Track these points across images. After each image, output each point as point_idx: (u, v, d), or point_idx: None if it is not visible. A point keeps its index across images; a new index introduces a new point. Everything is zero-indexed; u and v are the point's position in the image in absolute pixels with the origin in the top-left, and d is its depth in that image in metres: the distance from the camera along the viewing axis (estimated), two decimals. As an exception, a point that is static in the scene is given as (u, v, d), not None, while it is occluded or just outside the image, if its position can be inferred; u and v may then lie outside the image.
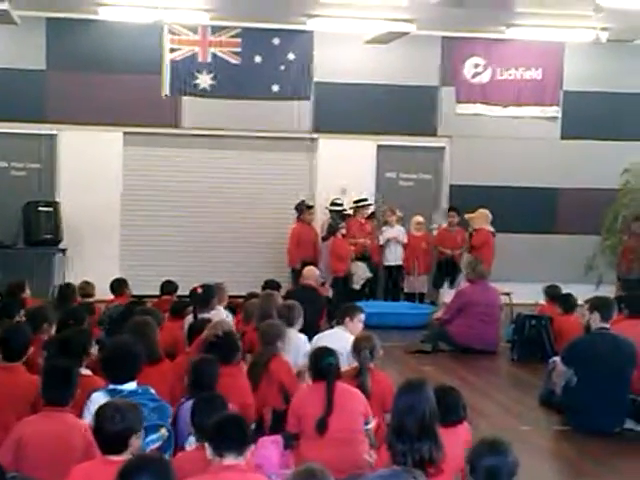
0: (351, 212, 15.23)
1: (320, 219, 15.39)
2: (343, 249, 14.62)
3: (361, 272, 14.81)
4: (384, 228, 15.30)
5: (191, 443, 5.57)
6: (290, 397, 6.65)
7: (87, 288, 10.57)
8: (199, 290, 9.11)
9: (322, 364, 6.29)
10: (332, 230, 14.75)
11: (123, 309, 8.84)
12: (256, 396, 6.81)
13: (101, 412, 4.84)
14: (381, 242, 15.19)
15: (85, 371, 6.36)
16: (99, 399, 5.67)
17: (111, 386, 5.82)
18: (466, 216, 14.83)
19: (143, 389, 5.80)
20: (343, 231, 14.63)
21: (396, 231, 15.23)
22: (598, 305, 8.78)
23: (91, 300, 10.07)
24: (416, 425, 5.10)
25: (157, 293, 11.22)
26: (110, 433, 4.72)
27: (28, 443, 5.24)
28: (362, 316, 8.37)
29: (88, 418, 5.60)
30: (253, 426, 6.38)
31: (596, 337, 8.66)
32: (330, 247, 14.83)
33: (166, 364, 6.95)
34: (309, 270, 11.10)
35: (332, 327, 8.75)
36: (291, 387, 6.98)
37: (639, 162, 15.06)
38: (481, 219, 14.70)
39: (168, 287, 11.08)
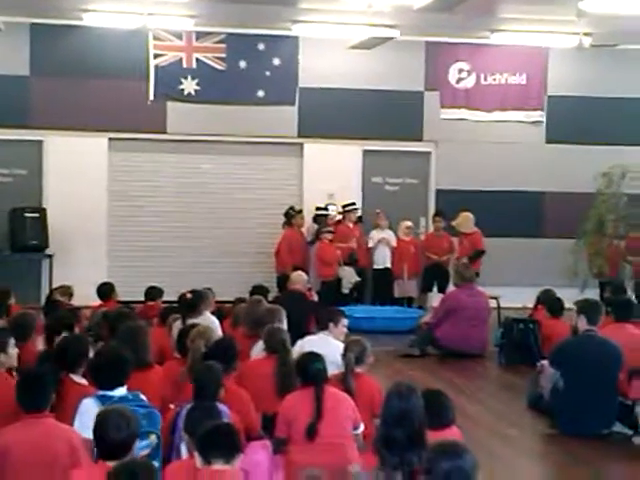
0: (338, 217, 15.27)
1: (309, 222, 15.41)
2: (328, 253, 14.64)
3: (349, 276, 14.83)
4: (374, 232, 15.32)
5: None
6: None
7: (64, 290, 10.57)
8: (188, 296, 9.09)
9: (310, 369, 6.28)
10: (317, 234, 14.79)
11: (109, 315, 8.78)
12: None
13: (105, 419, 4.79)
14: (370, 244, 15.22)
15: (80, 380, 6.33)
16: (89, 405, 5.64)
17: (101, 392, 5.79)
18: (453, 223, 14.86)
19: (133, 395, 5.78)
20: (328, 236, 14.65)
21: (386, 233, 15.28)
22: (585, 308, 8.80)
23: (75, 305, 10.03)
24: (405, 434, 5.08)
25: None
26: (116, 440, 4.70)
27: (11, 452, 5.16)
28: (345, 321, 8.35)
29: (78, 424, 5.59)
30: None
31: (583, 340, 8.69)
32: (316, 252, 14.85)
33: (156, 370, 6.92)
34: (297, 275, 11.11)
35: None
36: None
37: (618, 165, 15.11)
38: (468, 222, 14.75)
39: (152, 293, 11.05)
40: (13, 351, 6.57)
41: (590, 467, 7.84)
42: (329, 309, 8.97)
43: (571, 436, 8.35)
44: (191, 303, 8.96)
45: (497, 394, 10.58)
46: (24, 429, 5.27)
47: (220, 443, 4.69)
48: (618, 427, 8.47)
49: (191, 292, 9.25)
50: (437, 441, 4.48)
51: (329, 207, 15.36)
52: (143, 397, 5.84)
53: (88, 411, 5.56)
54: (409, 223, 15.45)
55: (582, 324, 8.72)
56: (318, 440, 6.02)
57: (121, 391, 5.78)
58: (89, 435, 5.05)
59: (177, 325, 8.57)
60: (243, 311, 9.03)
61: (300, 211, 15.20)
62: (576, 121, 16.28)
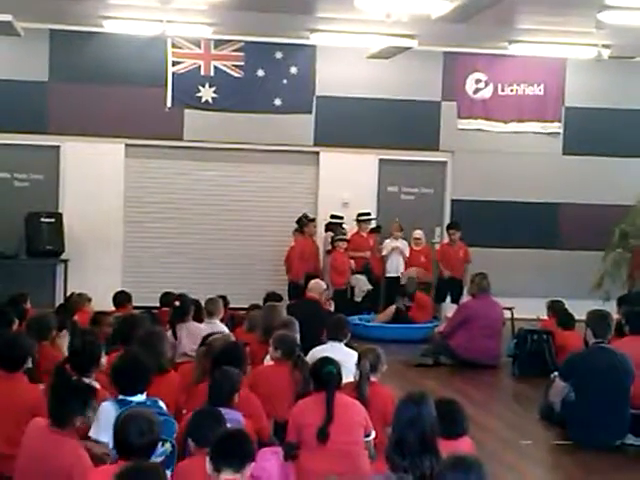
0: (349, 225, 15.29)
1: (321, 232, 15.42)
2: (341, 262, 14.67)
3: (361, 285, 14.83)
4: (387, 241, 15.34)
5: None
6: None
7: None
8: (176, 302, 9.17)
9: (323, 373, 6.28)
10: (333, 242, 14.80)
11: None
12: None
13: (129, 422, 4.79)
14: (384, 252, 15.23)
15: (94, 384, 6.34)
16: (108, 409, 5.67)
17: (120, 396, 5.82)
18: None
19: (152, 401, 5.78)
20: (342, 244, 14.66)
21: (400, 242, 15.29)
22: (590, 321, 8.81)
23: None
24: (417, 439, 5.07)
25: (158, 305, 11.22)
26: (138, 444, 4.71)
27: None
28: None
29: (95, 427, 5.62)
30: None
31: (592, 352, 8.68)
32: (329, 261, 14.86)
33: (172, 375, 6.94)
34: (315, 283, 10.89)
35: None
36: None
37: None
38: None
39: (167, 299, 11.03)
40: None
41: (602, 478, 7.82)
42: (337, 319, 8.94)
43: (583, 447, 8.33)
44: (181, 309, 9.03)
45: (510, 405, 10.56)
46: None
47: (231, 452, 4.65)
48: (631, 439, 8.46)
49: (179, 298, 9.29)
50: (449, 454, 4.49)
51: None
52: (161, 404, 5.84)
53: (106, 414, 5.58)
54: (418, 233, 15.40)
55: (590, 336, 8.72)
56: (329, 445, 6.01)
57: (140, 397, 5.80)
58: (106, 438, 5.06)
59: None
60: (258, 317, 9.04)
61: (313, 219, 15.22)
62: (593, 133, 16.22)
